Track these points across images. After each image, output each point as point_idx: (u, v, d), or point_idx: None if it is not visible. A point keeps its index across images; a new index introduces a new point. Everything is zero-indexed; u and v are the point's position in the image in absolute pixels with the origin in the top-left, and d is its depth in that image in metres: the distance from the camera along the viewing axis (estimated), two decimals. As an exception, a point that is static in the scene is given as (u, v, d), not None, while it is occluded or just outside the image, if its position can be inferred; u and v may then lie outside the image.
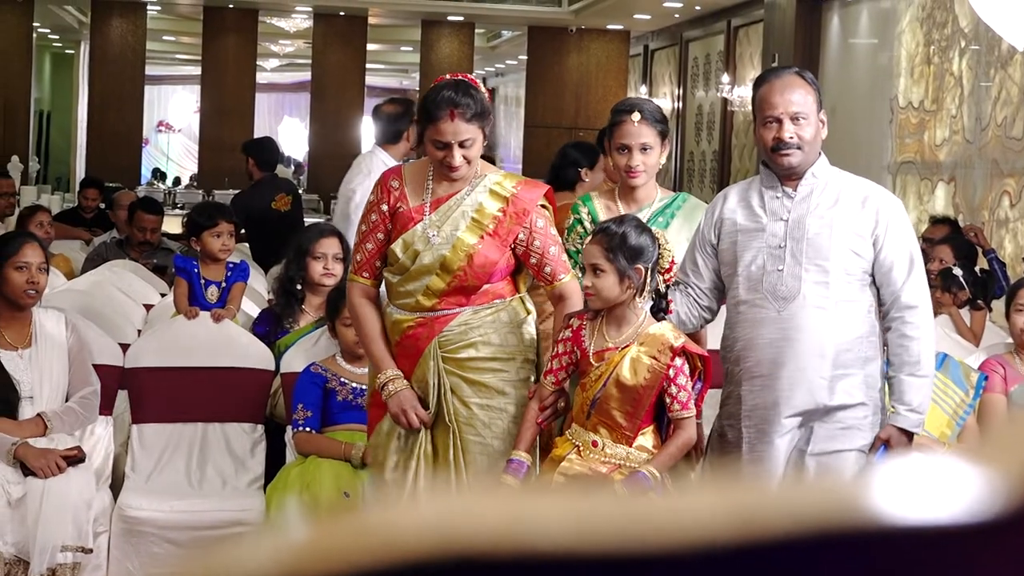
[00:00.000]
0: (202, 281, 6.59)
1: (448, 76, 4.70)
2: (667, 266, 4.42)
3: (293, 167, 27.35)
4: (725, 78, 17.54)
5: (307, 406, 5.55)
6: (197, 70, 22.63)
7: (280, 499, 5.49)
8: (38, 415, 5.47)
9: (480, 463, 4.60)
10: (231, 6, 20.57)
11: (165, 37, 25.98)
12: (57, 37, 26.50)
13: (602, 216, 4.97)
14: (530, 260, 4.65)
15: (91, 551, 5.23)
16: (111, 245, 9.03)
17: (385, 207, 4.70)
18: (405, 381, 4.65)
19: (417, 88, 22.15)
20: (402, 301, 4.67)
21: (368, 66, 21.96)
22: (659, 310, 4.45)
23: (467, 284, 4.61)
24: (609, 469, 4.36)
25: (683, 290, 4.69)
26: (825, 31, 14.79)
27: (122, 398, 6.01)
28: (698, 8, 18.46)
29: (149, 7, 21.13)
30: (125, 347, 6.08)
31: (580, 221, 5.12)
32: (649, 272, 4.36)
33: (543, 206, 4.71)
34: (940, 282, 7.46)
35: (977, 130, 11.93)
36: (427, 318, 4.63)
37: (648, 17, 19.77)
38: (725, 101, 17.78)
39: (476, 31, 22.37)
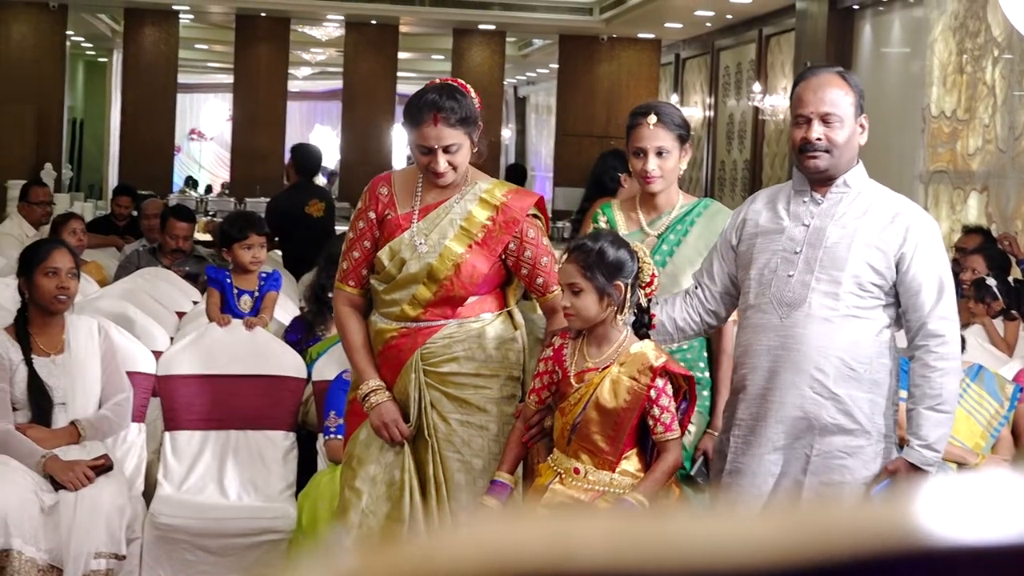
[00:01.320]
0: (235, 291, 6.60)
1: (438, 80, 4.59)
2: (648, 280, 4.23)
3: (327, 177, 27.40)
4: (756, 87, 17.51)
5: (339, 413, 5.54)
6: (229, 78, 22.70)
7: (312, 507, 5.49)
8: (72, 423, 5.49)
9: (459, 481, 4.48)
10: (263, 15, 20.63)
11: (197, 45, 26.06)
12: (90, 45, 26.61)
13: (621, 224, 4.88)
14: (521, 271, 4.54)
15: (124, 558, 5.25)
16: (143, 253, 9.05)
17: (373, 214, 4.60)
18: (388, 393, 4.53)
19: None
20: (387, 310, 4.57)
21: (399, 74, 22.00)
22: (641, 325, 4.27)
23: (454, 294, 4.49)
24: (591, 497, 4.17)
25: (690, 293, 4.52)
26: (857, 40, 14.76)
27: (154, 405, 6.03)
28: (730, 17, 18.44)
29: (182, 15, 21.20)
30: (158, 354, 6.09)
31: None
32: (629, 288, 4.18)
33: (535, 216, 4.60)
34: (973, 292, 7.43)
35: (1010, 139, 11.87)
36: (411, 329, 4.52)
37: (679, 26, 19.75)
38: (756, 110, 17.75)
39: (507, 40, 22.38)
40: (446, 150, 4.42)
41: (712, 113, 20.08)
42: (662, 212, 4.88)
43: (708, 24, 19.35)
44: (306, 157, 10.53)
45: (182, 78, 22.00)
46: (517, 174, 15.89)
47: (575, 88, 21.50)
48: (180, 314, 7.50)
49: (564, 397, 4.25)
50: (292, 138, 22.17)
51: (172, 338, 6.68)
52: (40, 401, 5.47)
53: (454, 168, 4.45)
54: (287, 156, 10.42)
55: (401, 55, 22.03)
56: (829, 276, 4.19)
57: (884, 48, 14.33)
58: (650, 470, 4.19)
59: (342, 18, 21.23)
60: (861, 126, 4.31)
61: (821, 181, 4.29)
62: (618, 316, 4.20)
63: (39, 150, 19.45)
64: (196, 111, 33.75)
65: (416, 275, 4.48)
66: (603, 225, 4.98)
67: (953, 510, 0.54)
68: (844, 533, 0.51)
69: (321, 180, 22.12)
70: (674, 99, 21.38)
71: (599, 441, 4.18)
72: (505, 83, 22.51)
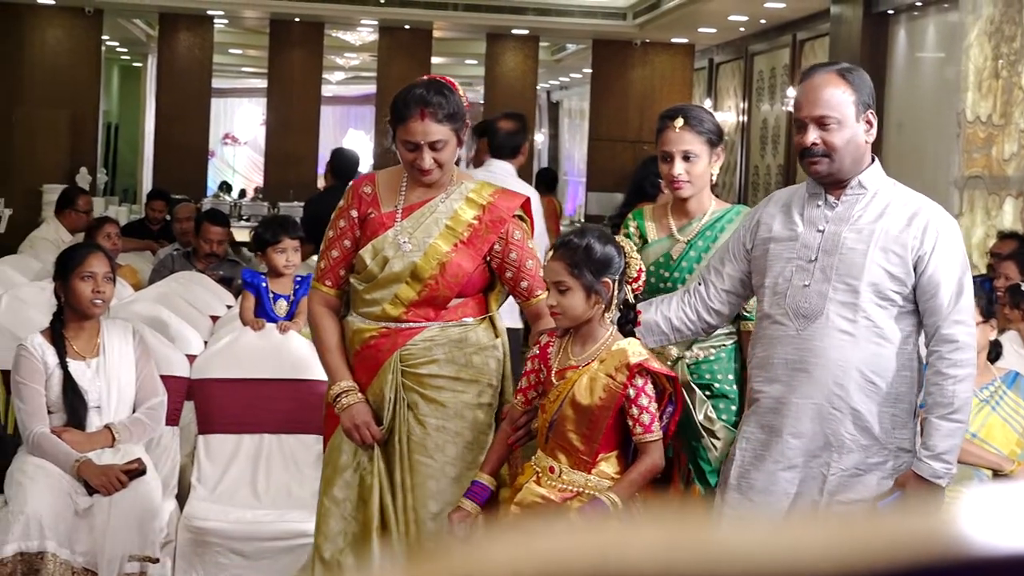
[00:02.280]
0: (271, 295, 6.62)
1: (426, 77, 4.55)
2: (634, 275, 4.15)
3: (359, 180, 27.40)
4: (791, 91, 17.46)
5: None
6: (263, 83, 22.75)
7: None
8: (106, 426, 5.51)
9: (430, 488, 4.39)
10: (297, 19, 20.67)
11: (231, 50, 26.14)
12: (125, 50, 26.72)
13: (651, 230, 4.83)
14: (505, 274, 4.47)
15: (157, 561, 5.27)
16: (177, 257, 9.09)
17: (355, 213, 4.53)
18: (360, 395, 4.46)
19: (482, 101, 22.17)
20: (367, 310, 4.49)
21: (433, 79, 21.98)
22: (626, 322, 4.18)
23: (438, 295, 4.42)
24: (563, 497, 4.08)
25: (691, 291, 4.38)
26: (891, 45, 14.70)
27: (188, 408, 6.05)
28: (763, 21, 18.39)
29: (216, 20, 21.25)
30: (192, 358, 6.12)
31: (629, 236, 4.90)
32: (617, 284, 4.10)
33: (520, 218, 4.53)
34: (1009, 298, 7.39)
35: (1046, 145, 11.81)
36: (391, 329, 4.44)
37: (713, 30, 19.71)
38: (790, 115, 17.68)
39: (541, 44, 22.36)
40: (432, 146, 4.35)
41: (746, 118, 20.03)
42: (693, 218, 4.79)
43: (742, 29, 19.30)
44: (343, 161, 10.64)
45: (216, 83, 22.06)
46: (547, 178, 15.86)
47: (608, 93, 21.48)
48: (214, 318, 7.52)
49: (545, 395, 4.19)
50: (325, 142, 22.24)
51: (206, 342, 6.70)
52: (75, 404, 5.50)
53: (440, 166, 4.39)
54: (322, 161, 10.51)
55: (434, 60, 22.04)
56: (846, 285, 4.03)
57: (919, 53, 14.27)
58: (627, 471, 4.09)
59: (376, 23, 21.25)
60: (868, 123, 4.11)
61: (834, 184, 4.13)
62: (605, 314, 4.12)
63: (74, 155, 19.53)
64: (230, 116, 33.85)
65: (399, 274, 4.40)
66: (632, 230, 4.91)
67: (995, 519, 0.54)
68: (893, 542, 0.51)
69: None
70: (708, 104, 21.33)
71: (574, 440, 4.09)
72: (538, 88, 22.51)
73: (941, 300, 3.99)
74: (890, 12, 14.47)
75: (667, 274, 4.73)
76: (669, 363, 4.78)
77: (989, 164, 12.91)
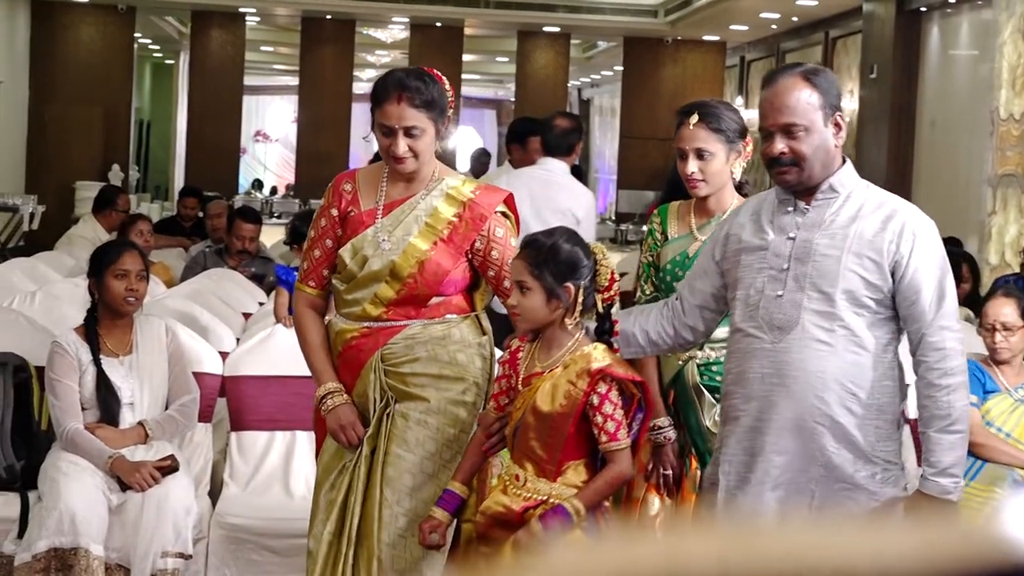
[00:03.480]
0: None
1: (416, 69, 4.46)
2: (606, 284, 3.98)
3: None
4: (822, 89, 17.40)
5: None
6: (294, 80, 22.80)
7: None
8: (139, 423, 5.53)
9: (405, 482, 4.29)
10: (329, 17, 20.71)
11: (263, 47, 26.20)
12: (158, 47, 26.81)
13: (672, 228, 4.74)
14: (488, 272, 4.36)
15: (190, 557, 5.28)
16: (210, 254, 9.11)
17: (335, 211, 4.44)
18: (345, 396, 4.38)
19: (513, 99, 22.14)
20: (348, 310, 4.41)
21: (464, 76, 22.02)
22: (603, 332, 4.02)
23: (417, 293, 4.32)
24: (524, 507, 3.94)
25: (669, 305, 4.19)
26: (924, 42, 14.65)
27: (221, 405, 6.06)
28: (795, 19, 18.34)
29: (248, 18, 21.31)
30: (224, 355, 6.13)
31: (652, 232, 4.85)
32: (582, 291, 3.95)
33: (504, 215, 4.42)
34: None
35: (1080, 143, 11.75)
36: (372, 329, 4.35)
37: (745, 28, 19.67)
38: (822, 113, 17.63)
39: (572, 42, 22.36)
40: (408, 133, 4.25)
41: (777, 116, 19.97)
42: (712, 216, 4.68)
43: (774, 26, 19.26)
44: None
45: (248, 80, 22.12)
46: (576, 176, 15.89)
47: (639, 90, 21.46)
48: (246, 315, 7.54)
49: (512, 402, 4.08)
50: (357, 140, 22.25)
51: (238, 339, 6.71)
52: (108, 401, 5.51)
53: (415, 155, 4.28)
54: (353, 158, 10.58)
55: (466, 57, 22.06)
56: (821, 293, 3.83)
57: (952, 51, 14.22)
58: (592, 479, 3.96)
59: (407, 20, 21.28)
60: (837, 126, 3.90)
61: (805, 190, 3.92)
62: (567, 319, 3.97)
63: (107, 152, 19.61)
64: (261, 113, 33.93)
65: (378, 273, 4.32)
66: (656, 228, 4.82)
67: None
68: (962, 547, 0.51)
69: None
70: (739, 102, 21.29)
71: (537, 448, 3.97)
72: (569, 85, 22.51)
73: (923, 305, 3.81)
74: (923, 9, 14.42)
75: (682, 272, 4.60)
76: (680, 362, 4.75)
77: (1023, 162, 12.84)
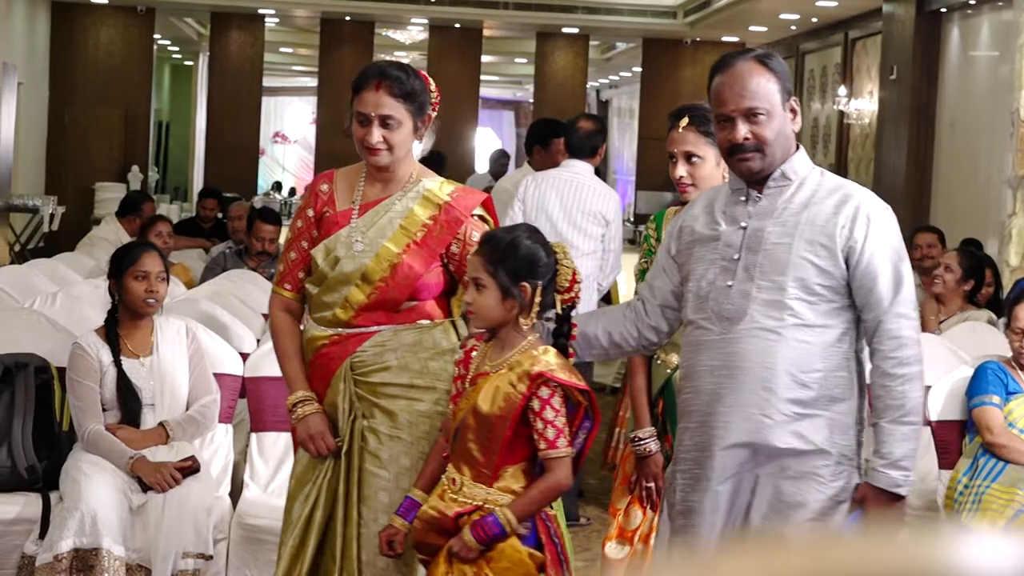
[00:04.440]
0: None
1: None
2: (567, 284, 3.88)
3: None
4: (842, 91, 17.38)
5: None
6: (313, 81, 22.84)
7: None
8: (160, 424, 5.54)
9: (380, 500, 4.19)
10: (348, 18, 20.72)
11: (282, 49, 26.24)
12: (177, 49, 26.87)
13: (665, 233, 4.53)
14: (464, 276, 4.19)
15: (211, 558, 5.29)
16: (230, 255, 9.12)
17: (311, 212, 4.36)
18: (316, 404, 4.27)
19: (531, 100, 22.11)
20: (319, 315, 4.30)
21: (482, 77, 22.03)
22: (560, 335, 3.90)
23: (389, 297, 4.21)
24: (457, 512, 3.84)
25: (631, 306, 4.09)
26: (945, 43, 14.60)
27: (241, 406, 6.07)
28: (815, 20, 18.30)
29: (267, 19, 21.34)
30: (245, 356, 6.13)
31: (647, 239, 4.77)
32: (540, 291, 3.84)
33: (482, 218, 4.32)
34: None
35: (1101, 144, 11.70)
36: (342, 336, 4.25)
37: (764, 29, 19.63)
38: (842, 114, 17.62)
39: (591, 43, 22.35)
40: (383, 123, 4.17)
41: (796, 117, 19.94)
42: None
43: (793, 27, 19.22)
44: (431, 164, 10.78)
45: (266, 81, 22.15)
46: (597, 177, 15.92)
47: (658, 92, 21.44)
48: (266, 316, 7.54)
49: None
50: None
51: (259, 340, 6.72)
52: (129, 402, 5.53)
53: (390, 148, 4.20)
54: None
55: (484, 58, 22.06)
56: (771, 283, 3.72)
57: (972, 51, 14.17)
58: (528, 488, 3.84)
59: (426, 22, 21.28)
60: (792, 111, 3.83)
61: (759, 178, 3.83)
62: (521, 319, 3.86)
63: (126, 153, 19.66)
64: (280, 114, 33.97)
65: (349, 275, 4.22)
66: (651, 233, 4.73)
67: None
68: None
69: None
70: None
71: (474, 450, 3.85)
72: (588, 86, 22.50)
73: (879, 293, 3.70)
74: (943, 10, 14.38)
75: None
76: (669, 371, 4.69)
77: (1043, 164, 12.79)
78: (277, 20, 22.44)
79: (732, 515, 3.79)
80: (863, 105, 16.99)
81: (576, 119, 7.93)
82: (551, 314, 3.96)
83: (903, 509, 3.75)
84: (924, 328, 7.47)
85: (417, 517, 3.95)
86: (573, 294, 3.90)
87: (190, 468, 5.37)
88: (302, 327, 4.45)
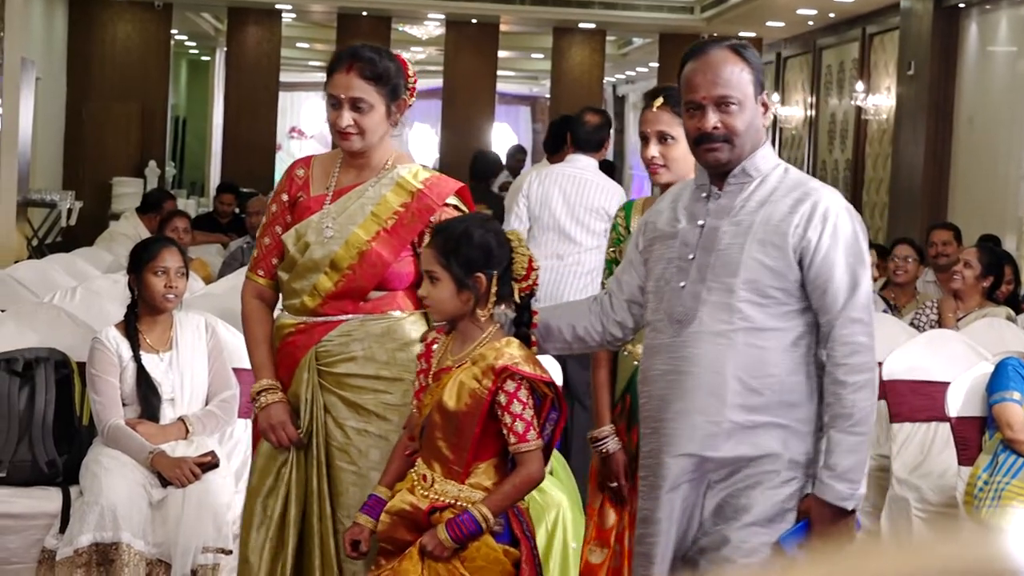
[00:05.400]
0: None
1: None
2: (523, 272, 3.79)
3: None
4: (859, 86, 17.34)
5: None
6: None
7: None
8: (180, 419, 5.55)
9: (352, 496, 4.12)
10: (365, 13, 20.72)
11: (299, 44, 26.23)
12: (194, 44, 26.88)
13: (635, 223, 4.38)
14: None
15: (231, 552, 5.29)
16: (247, 250, 9.13)
17: (285, 196, 4.29)
18: (280, 394, 4.20)
19: (548, 96, 22.11)
20: (289, 302, 4.24)
21: (499, 73, 22.01)
22: (520, 324, 3.82)
23: (356, 286, 4.15)
24: (430, 506, 3.76)
25: (598, 299, 3.97)
26: (963, 39, 14.57)
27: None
28: (832, 15, 18.27)
29: (284, 15, 21.34)
30: (264, 351, 6.13)
31: (615, 227, 4.62)
32: (495, 280, 3.76)
33: (456, 207, 4.22)
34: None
35: (1120, 140, 11.67)
36: (308, 324, 4.18)
37: (781, 24, 19.60)
38: (859, 109, 17.58)
39: (607, 38, 22.32)
40: (354, 106, 4.11)
41: (814, 112, 19.92)
42: None
43: (810, 23, 19.18)
44: (477, 162, 10.84)
45: (283, 76, 22.15)
46: (607, 171, 15.92)
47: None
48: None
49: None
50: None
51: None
52: (149, 397, 5.54)
53: (361, 132, 4.13)
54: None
55: (501, 54, 22.03)
56: (721, 284, 3.60)
57: (990, 47, 14.13)
58: (501, 483, 3.77)
59: (443, 17, 21.27)
60: (764, 105, 3.71)
61: (723, 173, 3.70)
62: (478, 311, 3.79)
63: (143, 148, 19.67)
64: (297, 109, 33.96)
65: (318, 262, 4.15)
66: (620, 224, 4.60)
67: None
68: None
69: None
70: (775, 98, 21.22)
71: (443, 448, 3.78)
72: (604, 82, 22.47)
73: (832, 296, 3.55)
74: (961, 6, 14.34)
75: None
76: (636, 363, 4.58)
77: (1062, 159, 12.77)
78: (294, 15, 22.44)
79: (688, 523, 3.66)
80: (880, 101, 16.95)
81: (582, 112, 7.87)
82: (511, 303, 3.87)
83: (851, 524, 3.59)
84: (942, 325, 7.47)
85: (386, 510, 3.86)
86: (531, 281, 3.82)
87: (209, 463, 5.38)
88: (276, 314, 4.39)
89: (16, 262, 9.41)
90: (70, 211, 15.55)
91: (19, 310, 6.22)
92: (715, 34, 20.60)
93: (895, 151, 15.69)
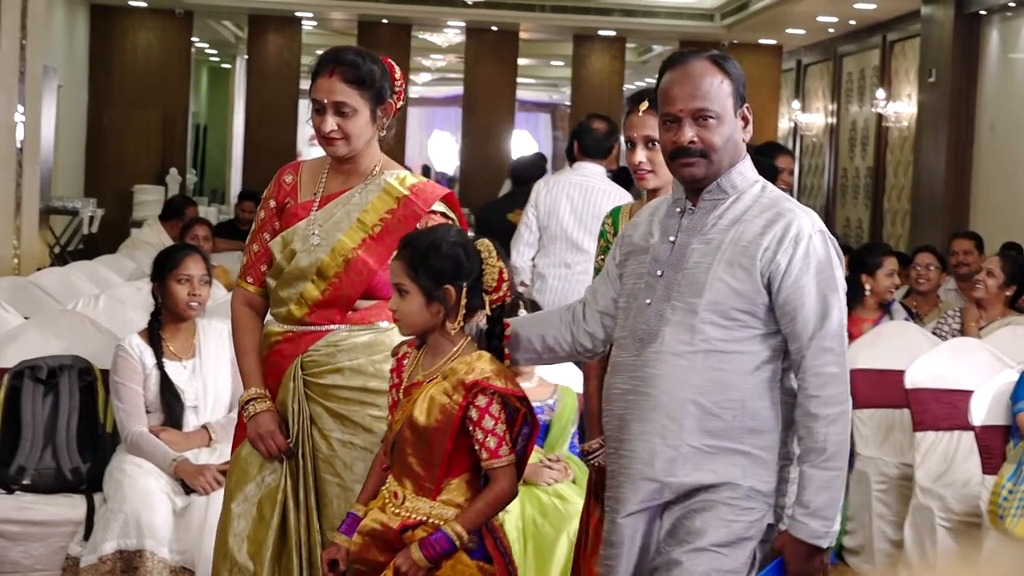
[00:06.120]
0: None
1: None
2: (494, 284, 3.68)
3: (445, 183, 27.46)
4: (880, 93, 17.32)
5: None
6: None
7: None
8: (203, 426, 5.56)
9: (337, 508, 4.05)
10: (385, 21, 20.75)
11: (319, 51, 26.22)
12: (215, 52, 26.94)
13: (623, 228, 4.22)
14: None
15: (254, 560, 5.30)
16: (269, 257, 9.13)
17: (273, 203, 4.23)
18: (268, 403, 4.11)
19: (568, 103, 22.09)
20: (276, 310, 4.17)
21: (519, 80, 22.03)
22: (492, 337, 3.73)
23: (343, 294, 4.08)
24: (401, 524, 3.66)
25: (570, 308, 3.84)
26: (984, 46, 14.53)
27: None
28: (853, 22, 18.25)
29: (304, 22, 21.39)
30: (286, 359, 6.13)
31: (603, 235, 4.52)
32: (465, 292, 3.65)
33: (444, 214, 4.13)
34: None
35: None
36: (295, 333, 4.11)
37: (802, 32, 19.58)
38: (880, 116, 17.55)
39: (627, 46, 22.31)
40: (338, 111, 4.04)
41: (834, 120, 19.89)
42: None
43: (831, 30, 19.16)
44: (518, 167, 10.89)
45: (304, 84, 22.16)
46: (622, 178, 15.86)
47: (695, 94, 21.36)
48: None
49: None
50: (412, 144, 22.29)
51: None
52: (172, 404, 5.55)
53: (346, 137, 4.07)
54: (408, 162, 10.69)
55: (521, 61, 22.05)
56: (686, 304, 3.46)
57: (1012, 54, 14.10)
58: (474, 500, 3.66)
59: (463, 24, 21.30)
60: (744, 119, 3.58)
61: (698, 189, 3.58)
62: (448, 324, 3.68)
63: (164, 155, 19.73)
64: (316, 116, 33.99)
65: (305, 270, 4.08)
66: (607, 230, 4.49)
67: None
68: None
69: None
70: (796, 105, 21.20)
71: (414, 464, 3.67)
72: (624, 89, 22.45)
73: (803, 323, 3.41)
74: (982, 13, 14.31)
75: None
76: None
77: (1085, 167, 12.73)
78: (314, 23, 22.48)
79: (647, 548, 3.53)
80: (901, 108, 16.92)
81: (588, 120, 7.80)
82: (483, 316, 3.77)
83: (825, 562, 3.46)
84: (965, 333, 7.45)
85: (358, 531, 3.75)
86: (502, 293, 3.71)
87: (232, 470, 5.38)
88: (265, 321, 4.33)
89: (39, 269, 9.45)
90: (92, 218, 15.62)
91: (43, 318, 6.24)
92: (735, 41, 20.63)
93: (916, 158, 15.66)
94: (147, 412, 5.54)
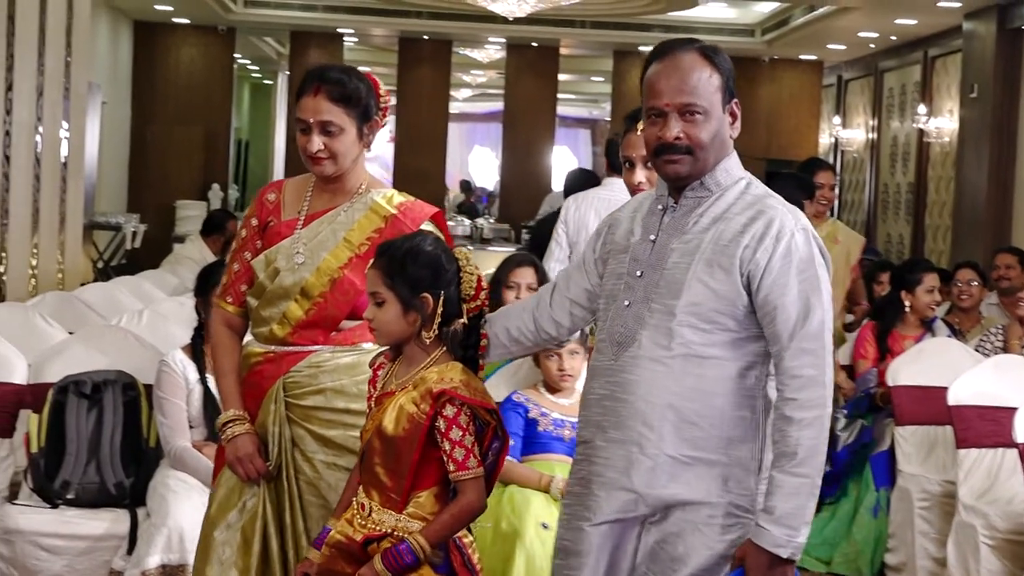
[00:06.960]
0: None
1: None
2: (472, 292, 3.63)
3: (485, 199, 27.51)
4: (921, 109, 17.27)
5: (509, 435, 5.49)
6: (391, 100, 22.90)
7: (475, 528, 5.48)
8: (246, 440, 5.58)
9: None
10: (426, 37, 20.82)
11: (361, 67, 26.31)
12: (256, 68, 27.08)
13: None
14: None
15: (296, 575, 5.32)
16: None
17: (255, 222, 4.14)
18: (247, 425, 4.02)
19: (608, 118, 22.06)
20: (258, 330, 4.08)
21: (559, 96, 22.06)
22: (467, 346, 3.66)
23: (328, 314, 4.00)
24: (365, 536, 3.59)
25: (538, 294, 3.73)
26: (1027, 61, 14.47)
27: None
28: (894, 38, 18.20)
29: (346, 38, 21.48)
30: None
31: None
32: (442, 301, 3.59)
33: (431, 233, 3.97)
34: None
35: None
36: (277, 354, 4.03)
37: (843, 47, 19.54)
38: (921, 132, 17.49)
39: (668, 61, 22.29)
40: (324, 130, 3.98)
41: (875, 135, 19.83)
42: None
43: (872, 45, 19.11)
44: (569, 180, 10.96)
45: (346, 100, 22.26)
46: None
47: (736, 110, 21.34)
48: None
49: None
50: (452, 159, 22.34)
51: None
52: (215, 419, 5.56)
53: (332, 156, 4.00)
54: (449, 177, 10.70)
55: (561, 77, 22.08)
56: (664, 306, 3.33)
57: (1055, 69, 14.05)
58: (440, 513, 3.58)
59: (503, 40, 21.34)
60: (732, 115, 3.48)
61: (682, 187, 3.45)
62: (423, 333, 3.62)
63: (206, 171, 19.83)
64: (358, 132, 34.11)
65: (289, 289, 4.01)
66: None
67: None
68: None
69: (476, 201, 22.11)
70: (836, 121, 21.15)
71: (381, 474, 3.61)
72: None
73: (783, 323, 3.27)
74: (1025, 28, 14.26)
75: None
76: None
77: None
78: (356, 39, 22.56)
79: (616, 563, 3.42)
80: (943, 123, 16.86)
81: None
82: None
83: (790, 574, 3.28)
84: (1007, 350, 7.41)
85: (325, 543, 3.69)
86: (480, 301, 3.66)
87: (274, 485, 5.40)
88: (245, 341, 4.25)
89: (82, 284, 9.51)
90: (135, 234, 15.71)
91: (87, 333, 6.28)
92: (776, 56, 20.60)
93: (958, 174, 15.60)
94: (190, 427, 5.57)
